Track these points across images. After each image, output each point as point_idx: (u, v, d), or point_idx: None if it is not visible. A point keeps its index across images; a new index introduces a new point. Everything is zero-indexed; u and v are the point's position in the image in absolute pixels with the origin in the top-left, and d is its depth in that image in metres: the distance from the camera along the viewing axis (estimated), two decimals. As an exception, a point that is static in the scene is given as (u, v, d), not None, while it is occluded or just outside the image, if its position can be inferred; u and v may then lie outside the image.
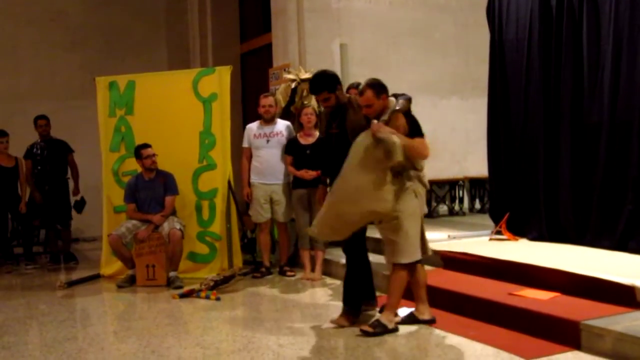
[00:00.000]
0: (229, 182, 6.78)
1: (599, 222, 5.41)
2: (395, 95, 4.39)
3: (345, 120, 4.56)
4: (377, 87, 4.31)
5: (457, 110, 8.92)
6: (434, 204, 8.58)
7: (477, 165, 8.33)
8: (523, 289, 4.64)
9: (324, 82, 4.61)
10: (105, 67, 9.19)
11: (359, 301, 4.64)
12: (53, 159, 7.87)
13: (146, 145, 6.49)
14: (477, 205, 8.97)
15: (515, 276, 4.89)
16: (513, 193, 6.27)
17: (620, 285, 4.14)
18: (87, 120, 8.03)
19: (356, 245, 4.65)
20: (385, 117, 4.19)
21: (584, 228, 5.54)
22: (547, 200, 5.88)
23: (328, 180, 4.90)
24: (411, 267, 4.36)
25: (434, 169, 8.76)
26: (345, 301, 4.62)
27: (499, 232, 6.13)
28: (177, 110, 6.90)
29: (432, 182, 8.56)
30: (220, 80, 6.87)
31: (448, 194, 8.72)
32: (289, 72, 7.55)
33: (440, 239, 6.37)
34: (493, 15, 6.54)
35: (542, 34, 5.91)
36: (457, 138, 8.92)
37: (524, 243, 5.92)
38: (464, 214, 8.71)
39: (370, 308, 4.80)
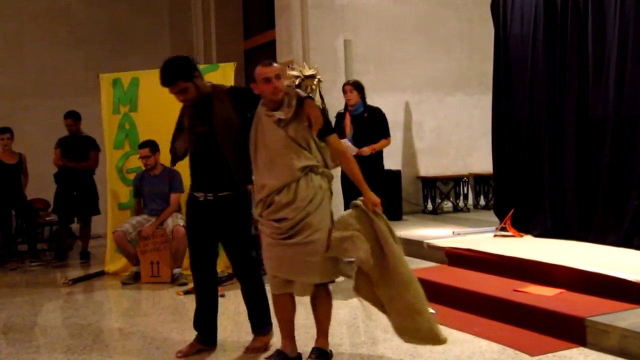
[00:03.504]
0: (232, 179, 6.77)
1: (604, 218, 5.39)
2: None
3: (212, 115, 3.77)
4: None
5: (461, 106, 8.91)
6: (438, 200, 8.56)
7: (482, 162, 8.32)
8: (528, 286, 4.63)
9: (176, 69, 3.70)
10: (108, 64, 9.16)
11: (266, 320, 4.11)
12: (76, 154, 7.81)
13: (145, 144, 6.47)
14: (482, 201, 8.94)
15: (520, 273, 4.88)
16: (518, 189, 6.25)
17: (626, 281, 4.14)
18: (90, 117, 8.01)
19: (246, 265, 4.06)
20: (293, 102, 3.52)
21: (589, 224, 5.53)
22: (552, 196, 5.86)
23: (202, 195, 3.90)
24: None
25: (438, 165, 8.80)
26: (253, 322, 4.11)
27: (503, 229, 6.11)
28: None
29: (436, 179, 8.59)
30: (224, 77, 6.83)
31: (452, 190, 8.70)
32: (292, 69, 7.53)
33: (444, 235, 6.36)
34: (498, 10, 6.52)
35: (547, 29, 5.89)
36: (461, 134, 8.93)
37: (528, 239, 5.90)
38: (468, 210, 8.69)
39: (266, 333, 4.16)
